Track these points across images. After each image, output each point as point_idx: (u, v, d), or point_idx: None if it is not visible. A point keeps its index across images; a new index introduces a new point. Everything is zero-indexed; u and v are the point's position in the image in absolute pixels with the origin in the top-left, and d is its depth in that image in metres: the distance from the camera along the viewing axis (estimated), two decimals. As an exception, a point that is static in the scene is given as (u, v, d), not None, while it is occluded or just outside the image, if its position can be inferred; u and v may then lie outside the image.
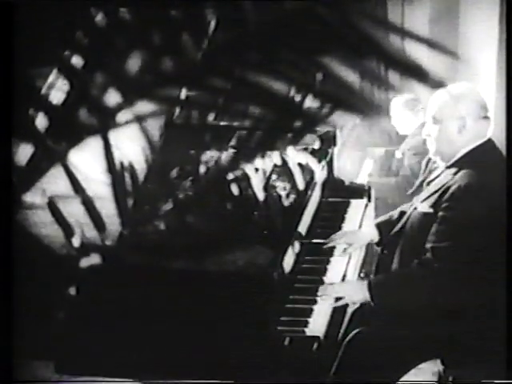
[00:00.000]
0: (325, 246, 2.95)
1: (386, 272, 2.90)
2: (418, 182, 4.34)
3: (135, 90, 1.28)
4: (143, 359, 2.37)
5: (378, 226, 3.05)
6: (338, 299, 2.65)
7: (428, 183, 2.87)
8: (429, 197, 2.75)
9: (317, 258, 2.88)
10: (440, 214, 2.66)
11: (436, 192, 2.72)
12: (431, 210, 2.69)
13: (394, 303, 2.68)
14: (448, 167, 2.77)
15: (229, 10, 1.29)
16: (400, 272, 2.81)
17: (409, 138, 4.88)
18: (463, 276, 2.57)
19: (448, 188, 2.67)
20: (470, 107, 2.74)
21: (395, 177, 4.86)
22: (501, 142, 2.69)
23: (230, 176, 2.58)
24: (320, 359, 2.38)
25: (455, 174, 2.70)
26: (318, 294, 2.65)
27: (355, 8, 1.21)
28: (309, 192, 3.08)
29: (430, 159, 3.02)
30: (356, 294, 2.68)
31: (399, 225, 2.90)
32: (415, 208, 2.81)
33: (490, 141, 2.77)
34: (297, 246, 2.79)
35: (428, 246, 2.64)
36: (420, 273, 2.65)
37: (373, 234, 3.05)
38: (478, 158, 2.72)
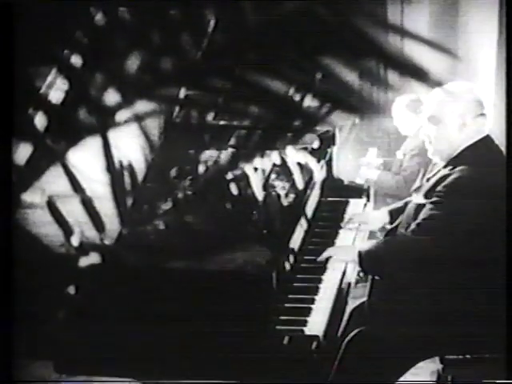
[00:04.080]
0: (340, 229, 3.09)
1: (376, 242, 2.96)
2: (418, 182, 4.34)
3: (134, 89, 1.28)
4: (143, 359, 2.37)
5: (391, 213, 3.13)
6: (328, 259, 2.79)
7: (427, 180, 2.87)
8: (425, 190, 2.76)
9: (316, 258, 2.88)
10: (432, 199, 2.67)
11: (432, 186, 2.73)
12: (425, 201, 2.71)
13: (380, 271, 2.74)
14: (446, 165, 2.77)
15: (229, 10, 1.29)
16: (388, 241, 2.87)
17: (410, 139, 4.88)
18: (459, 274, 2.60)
19: (443, 180, 2.68)
20: (467, 105, 2.73)
21: (396, 176, 4.85)
22: (501, 141, 2.69)
23: (229, 175, 2.58)
24: (319, 358, 2.38)
25: (452, 169, 2.71)
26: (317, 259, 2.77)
27: (355, 8, 1.21)
28: (308, 191, 3.08)
29: (429, 159, 3.02)
30: (345, 253, 2.78)
31: (397, 220, 2.93)
32: (411, 201, 2.85)
33: (487, 137, 2.77)
34: (296, 245, 2.79)
35: (415, 222, 2.68)
36: (407, 242, 2.70)
37: (385, 220, 3.15)
38: (476, 154, 2.72)
